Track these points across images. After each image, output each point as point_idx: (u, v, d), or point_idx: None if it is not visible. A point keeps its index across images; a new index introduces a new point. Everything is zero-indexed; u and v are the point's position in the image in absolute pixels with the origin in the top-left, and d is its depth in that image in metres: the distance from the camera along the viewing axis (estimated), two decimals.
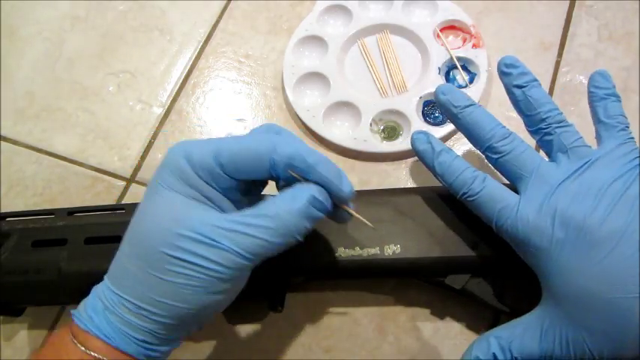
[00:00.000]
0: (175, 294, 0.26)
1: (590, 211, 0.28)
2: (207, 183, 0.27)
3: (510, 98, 0.34)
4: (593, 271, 0.27)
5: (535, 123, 0.32)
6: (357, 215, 0.30)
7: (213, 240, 0.25)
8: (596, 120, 0.32)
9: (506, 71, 0.33)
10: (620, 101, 0.32)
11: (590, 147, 0.31)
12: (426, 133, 0.34)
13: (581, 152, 0.30)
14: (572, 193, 0.29)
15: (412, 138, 0.35)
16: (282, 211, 0.26)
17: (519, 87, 0.33)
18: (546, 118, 0.32)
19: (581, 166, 0.30)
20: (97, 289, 0.28)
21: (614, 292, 0.26)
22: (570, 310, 0.28)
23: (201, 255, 0.25)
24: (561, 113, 0.32)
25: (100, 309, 0.27)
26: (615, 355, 0.27)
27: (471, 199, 0.31)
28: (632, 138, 0.31)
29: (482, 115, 0.33)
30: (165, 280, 0.26)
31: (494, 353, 0.29)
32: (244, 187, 0.29)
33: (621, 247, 0.27)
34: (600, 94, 0.32)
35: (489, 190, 0.31)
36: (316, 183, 0.27)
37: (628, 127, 0.31)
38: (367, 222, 0.30)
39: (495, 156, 0.32)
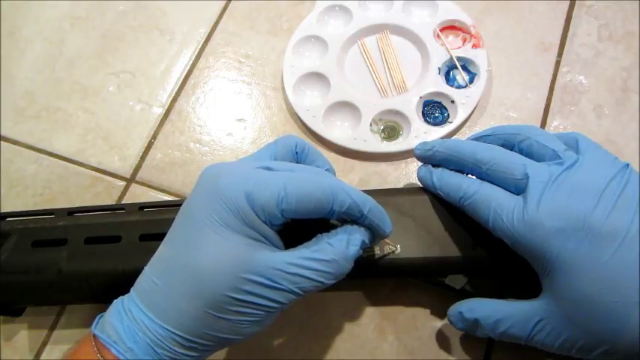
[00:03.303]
0: (232, 329, 0.27)
1: (591, 209, 0.27)
2: (265, 223, 0.27)
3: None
4: (594, 272, 0.27)
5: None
6: (389, 242, 0.33)
7: (276, 282, 0.27)
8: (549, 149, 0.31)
9: (418, 153, 0.36)
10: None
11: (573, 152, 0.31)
12: (427, 165, 0.35)
13: (568, 155, 0.30)
14: (569, 189, 0.28)
15: (417, 172, 0.36)
16: (339, 257, 0.28)
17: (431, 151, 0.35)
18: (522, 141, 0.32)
19: (573, 164, 0.29)
20: (129, 314, 0.27)
21: (614, 295, 0.26)
22: (568, 310, 0.28)
23: (265, 296, 0.27)
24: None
25: (141, 341, 0.26)
26: (608, 352, 0.27)
27: (467, 202, 0.31)
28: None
29: (458, 142, 0.34)
30: (224, 319, 0.27)
31: (477, 319, 0.31)
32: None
33: (624, 249, 0.26)
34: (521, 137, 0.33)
35: (484, 190, 0.31)
36: (363, 225, 0.29)
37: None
38: (393, 248, 0.33)
39: (483, 168, 0.32)
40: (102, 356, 0.26)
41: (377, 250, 0.34)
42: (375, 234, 0.30)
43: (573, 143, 0.31)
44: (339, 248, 0.28)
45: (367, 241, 0.30)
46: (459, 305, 0.32)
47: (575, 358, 0.29)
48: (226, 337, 0.27)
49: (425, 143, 0.35)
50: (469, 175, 0.33)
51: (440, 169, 0.34)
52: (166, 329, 0.26)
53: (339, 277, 0.28)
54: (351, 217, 0.29)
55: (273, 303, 0.27)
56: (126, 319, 0.27)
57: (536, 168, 0.30)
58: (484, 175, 0.32)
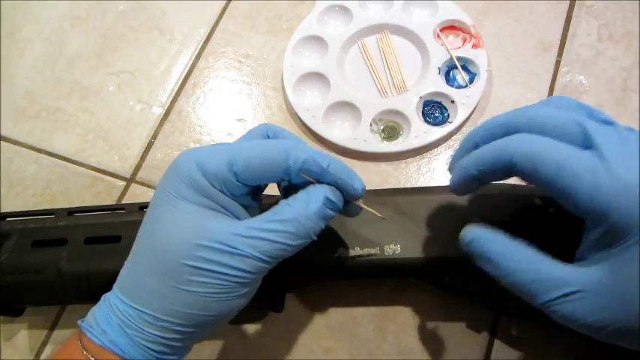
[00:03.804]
0: (198, 303, 0.26)
1: None
2: (221, 191, 0.28)
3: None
4: None
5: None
6: (368, 208, 0.30)
7: (234, 247, 0.26)
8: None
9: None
10: None
11: None
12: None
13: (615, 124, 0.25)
14: None
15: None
16: (300, 215, 0.27)
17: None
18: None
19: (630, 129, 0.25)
20: (108, 301, 0.28)
21: None
22: (632, 291, 0.23)
23: (224, 263, 0.26)
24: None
25: (114, 323, 0.27)
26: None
27: (521, 158, 0.25)
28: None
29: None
30: (187, 291, 0.26)
31: (489, 256, 0.26)
32: (252, 191, 0.30)
33: None
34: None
35: (547, 142, 0.24)
36: (329, 183, 0.28)
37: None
38: (377, 213, 0.31)
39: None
40: (81, 342, 0.27)
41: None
42: (344, 192, 0.28)
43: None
44: (298, 206, 0.27)
45: (334, 199, 0.28)
46: (475, 230, 0.27)
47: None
48: (196, 314, 0.26)
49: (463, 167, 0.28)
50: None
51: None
52: (135, 308, 0.26)
53: (304, 236, 0.27)
54: (311, 175, 0.28)
55: (236, 271, 0.26)
56: (103, 305, 0.28)
57: (596, 126, 0.25)
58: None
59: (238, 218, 0.28)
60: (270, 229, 0.26)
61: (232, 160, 0.27)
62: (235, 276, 0.26)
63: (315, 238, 0.28)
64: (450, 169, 0.30)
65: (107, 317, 0.27)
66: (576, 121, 0.25)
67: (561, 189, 0.24)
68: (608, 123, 0.25)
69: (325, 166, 0.27)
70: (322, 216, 0.27)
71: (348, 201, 0.29)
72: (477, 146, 0.28)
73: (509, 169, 0.25)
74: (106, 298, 0.28)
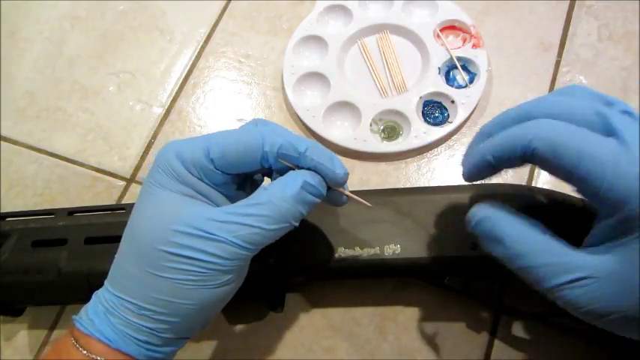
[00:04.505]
0: (176, 291, 0.26)
1: None
2: (200, 179, 0.28)
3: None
4: None
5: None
6: (353, 196, 0.30)
7: (209, 233, 0.26)
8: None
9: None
10: None
11: None
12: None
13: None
14: None
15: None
16: (275, 198, 0.26)
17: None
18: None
19: None
20: (98, 294, 0.28)
21: None
22: None
23: (199, 249, 0.26)
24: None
25: (100, 312, 0.27)
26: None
27: (541, 142, 0.24)
28: None
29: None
30: (164, 278, 0.26)
31: (502, 238, 0.25)
32: (239, 182, 0.29)
33: None
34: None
35: (568, 128, 0.24)
36: (309, 169, 0.28)
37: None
38: (363, 201, 0.30)
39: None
40: (72, 334, 0.27)
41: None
42: (325, 177, 0.28)
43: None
44: (274, 190, 0.27)
45: (313, 182, 0.27)
46: (485, 209, 0.27)
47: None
48: (175, 302, 0.26)
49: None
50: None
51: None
52: (118, 296, 0.27)
53: (280, 220, 0.26)
54: (290, 160, 0.27)
55: (212, 257, 0.26)
56: (94, 297, 0.28)
57: (616, 114, 0.24)
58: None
59: (219, 207, 0.28)
60: (245, 213, 0.26)
61: (209, 146, 0.27)
62: (211, 262, 0.26)
63: (295, 223, 0.27)
64: (465, 158, 0.29)
65: (95, 307, 0.27)
66: (595, 109, 0.24)
67: (583, 175, 0.23)
68: (627, 112, 0.25)
69: (303, 150, 0.27)
70: (300, 200, 0.27)
71: (332, 188, 0.29)
72: (491, 136, 0.27)
73: (528, 156, 0.24)
74: (98, 291, 0.28)
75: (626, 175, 0.23)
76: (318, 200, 0.28)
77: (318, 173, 0.28)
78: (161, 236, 0.26)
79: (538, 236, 0.25)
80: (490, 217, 0.26)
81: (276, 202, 0.26)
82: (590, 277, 0.23)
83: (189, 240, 0.26)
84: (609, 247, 0.24)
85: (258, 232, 0.26)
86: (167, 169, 0.27)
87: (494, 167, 0.26)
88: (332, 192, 0.29)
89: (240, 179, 0.30)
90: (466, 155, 0.29)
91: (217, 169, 0.28)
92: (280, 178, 0.27)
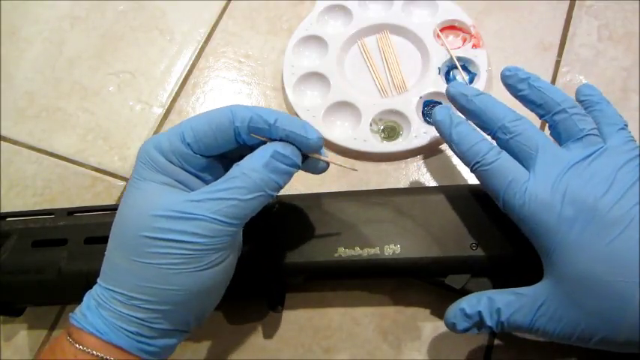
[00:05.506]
0: (162, 277, 0.26)
1: (602, 194, 0.28)
2: (182, 167, 0.28)
3: (519, 96, 0.33)
4: (598, 252, 0.27)
5: (550, 107, 0.32)
6: (332, 161, 0.30)
7: (188, 213, 0.26)
8: (597, 123, 0.32)
9: (509, 74, 0.33)
10: (610, 103, 0.33)
11: (599, 137, 0.31)
12: (447, 107, 0.34)
13: (593, 140, 0.30)
14: (585, 175, 0.29)
15: (434, 111, 0.34)
16: (246, 169, 0.27)
17: (524, 80, 0.33)
18: (562, 102, 0.31)
19: (594, 152, 0.30)
20: (91, 290, 0.28)
21: (617, 275, 0.26)
22: (570, 290, 0.28)
23: (179, 230, 0.26)
24: (576, 104, 0.32)
25: (93, 306, 0.27)
26: (607, 338, 0.27)
27: (484, 168, 0.31)
28: (632, 136, 0.31)
29: (493, 100, 0.33)
30: (149, 264, 0.26)
31: (480, 312, 0.30)
32: (226, 165, 0.30)
33: (630, 231, 0.27)
34: (594, 99, 0.32)
35: (503, 162, 0.31)
36: (281, 140, 0.28)
37: (627, 125, 0.31)
38: (345, 165, 0.31)
39: (507, 136, 0.31)
40: (66, 330, 0.27)
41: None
42: (298, 145, 0.28)
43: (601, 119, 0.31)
44: (245, 163, 0.28)
45: (285, 152, 0.28)
46: (459, 303, 0.31)
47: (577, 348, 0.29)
48: (161, 288, 0.26)
49: (464, 87, 0.34)
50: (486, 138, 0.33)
51: (463, 123, 0.33)
52: (107, 289, 0.27)
53: (254, 189, 0.27)
54: (261, 133, 0.28)
55: (194, 237, 0.26)
56: (87, 294, 0.28)
57: (558, 149, 0.30)
58: (503, 141, 0.32)
59: None
60: (220, 188, 0.27)
61: (183, 132, 0.28)
62: (193, 242, 0.26)
63: (273, 193, 0.28)
64: (451, 96, 0.34)
65: (88, 302, 0.28)
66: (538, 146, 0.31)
67: (501, 201, 0.31)
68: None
69: (272, 122, 0.28)
70: (272, 168, 0.27)
71: (308, 155, 0.29)
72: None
73: (469, 166, 0.32)
74: (92, 288, 0.29)
75: (535, 212, 0.29)
76: (293, 169, 0.28)
77: (292, 143, 0.28)
78: (143, 223, 0.26)
79: (504, 295, 0.30)
80: (465, 306, 0.31)
81: (247, 172, 0.27)
82: (544, 304, 0.28)
83: (169, 223, 0.26)
84: (548, 272, 0.29)
85: (235, 203, 0.27)
86: (147, 161, 0.28)
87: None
88: (310, 160, 0.30)
89: (227, 163, 0.30)
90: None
91: (196, 153, 0.28)
92: (251, 154, 0.28)
